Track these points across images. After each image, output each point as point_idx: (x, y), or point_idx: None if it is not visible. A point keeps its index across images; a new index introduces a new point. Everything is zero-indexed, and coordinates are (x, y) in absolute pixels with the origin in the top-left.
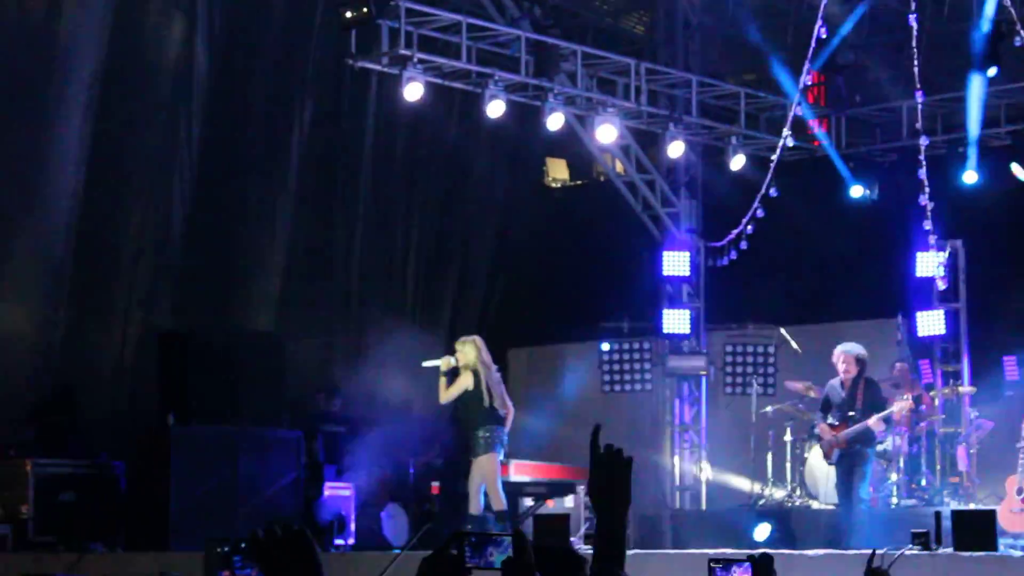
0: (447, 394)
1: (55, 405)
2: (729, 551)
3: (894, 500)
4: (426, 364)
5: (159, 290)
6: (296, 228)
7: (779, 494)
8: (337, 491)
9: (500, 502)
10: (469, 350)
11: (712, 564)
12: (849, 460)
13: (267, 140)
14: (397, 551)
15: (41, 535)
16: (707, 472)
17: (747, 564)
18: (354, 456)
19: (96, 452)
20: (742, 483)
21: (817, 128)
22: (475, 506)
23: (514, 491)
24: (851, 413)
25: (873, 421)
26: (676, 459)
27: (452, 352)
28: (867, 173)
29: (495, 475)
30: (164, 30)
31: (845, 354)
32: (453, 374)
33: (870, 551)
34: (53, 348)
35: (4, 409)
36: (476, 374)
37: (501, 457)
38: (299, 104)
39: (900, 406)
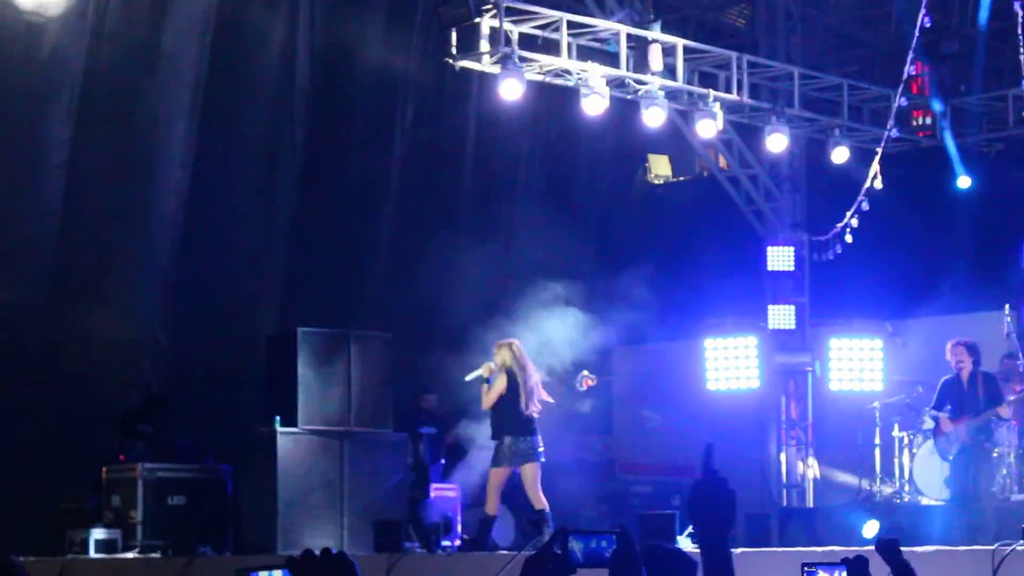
0: (487, 400)
1: (146, 412)
2: (837, 549)
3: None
4: (469, 378)
5: (264, 292)
6: (398, 228)
7: (888, 490)
8: (443, 492)
9: (492, 507)
10: (504, 352)
11: (805, 568)
12: (969, 455)
13: (369, 141)
14: (505, 552)
15: (150, 539)
16: (814, 469)
17: (842, 567)
18: (459, 457)
19: (203, 456)
20: (850, 480)
21: (933, 117)
22: (492, 506)
23: (621, 492)
24: (972, 407)
25: (1003, 409)
26: (783, 456)
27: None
28: (972, 164)
29: (497, 488)
30: (265, 34)
31: (960, 348)
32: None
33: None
34: (159, 351)
35: (111, 414)
36: (512, 377)
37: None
38: (400, 104)
39: (1015, 398)
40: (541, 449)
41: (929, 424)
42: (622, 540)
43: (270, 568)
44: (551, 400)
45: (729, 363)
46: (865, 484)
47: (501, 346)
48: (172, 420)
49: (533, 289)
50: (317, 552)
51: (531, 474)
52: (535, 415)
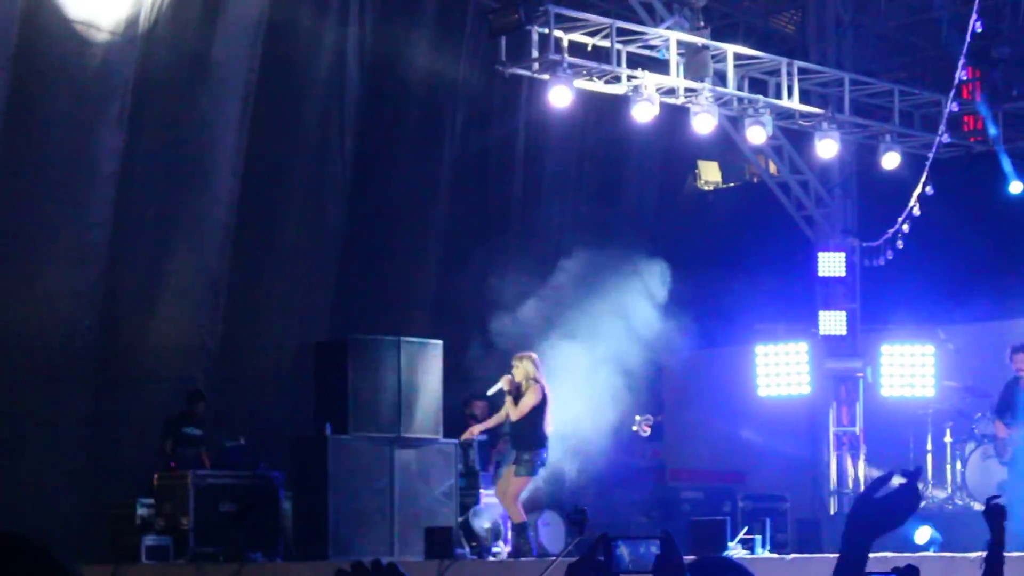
0: (519, 410)
1: (189, 413)
2: (889, 555)
3: None
4: (491, 392)
5: (315, 299)
6: (448, 235)
7: (940, 496)
8: (493, 499)
9: (518, 515)
10: (527, 365)
11: None
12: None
13: (419, 148)
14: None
15: (202, 546)
16: (866, 474)
17: (891, 575)
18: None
19: (255, 463)
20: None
21: (986, 123)
22: (517, 514)
23: (672, 496)
24: None
25: None
26: (834, 461)
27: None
28: None
29: (519, 494)
30: (315, 42)
31: (1018, 354)
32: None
33: None
34: (209, 358)
35: (157, 421)
36: (543, 391)
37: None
38: (450, 111)
39: None
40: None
41: (987, 428)
42: (666, 546)
43: None
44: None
45: (780, 369)
46: (923, 484)
47: (522, 359)
48: (222, 427)
49: (583, 296)
50: (367, 563)
51: (519, 487)
52: (549, 431)
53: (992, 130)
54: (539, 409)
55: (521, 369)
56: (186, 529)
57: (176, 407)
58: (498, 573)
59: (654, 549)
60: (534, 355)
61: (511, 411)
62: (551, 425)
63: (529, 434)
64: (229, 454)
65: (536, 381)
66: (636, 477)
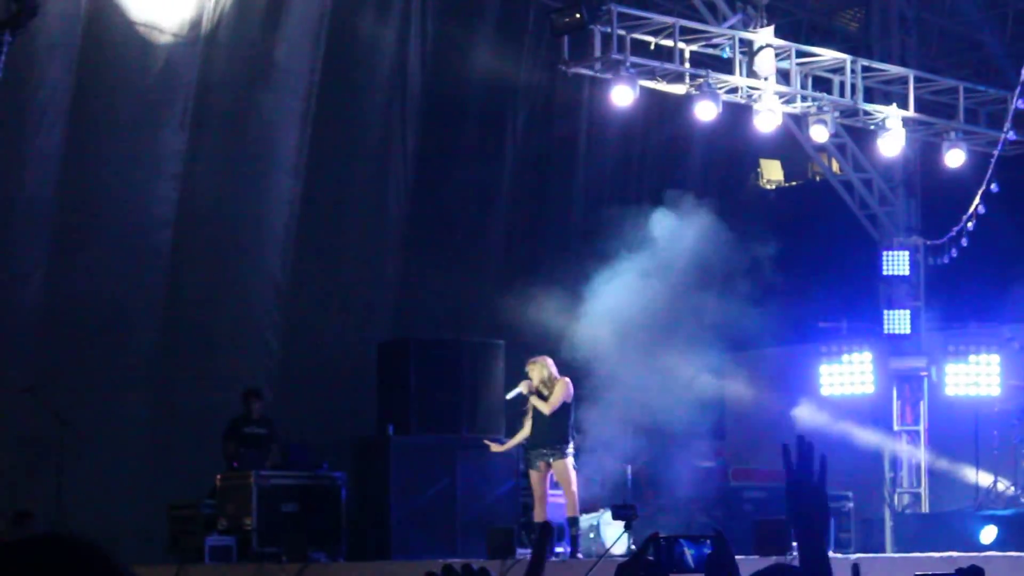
0: (550, 404)
1: (247, 414)
2: (955, 555)
3: None
4: (510, 396)
5: (378, 299)
6: (511, 233)
7: (1006, 495)
8: (555, 498)
9: (574, 508)
10: (541, 367)
11: None
12: None
13: (481, 147)
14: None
15: (264, 546)
16: (931, 471)
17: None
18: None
19: (318, 463)
20: (967, 485)
21: None
22: (573, 507)
23: (734, 497)
24: None
25: None
26: (900, 461)
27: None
28: None
29: (571, 480)
30: (377, 42)
31: None
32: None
33: None
34: (272, 358)
35: (225, 421)
36: (570, 386)
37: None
38: (512, 110)
39: None
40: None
41: None
42: (717, 544)
43: None
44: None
45: (844, 367)
46: (983, 489)
47: (536, 362)
48: (285, 426)
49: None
50: (458, 567)
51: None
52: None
53: None
54: (569, 403)
55: (537, 372)
56: (249, 529)
57: (239, 408)
58: (560, 573)
59: (706, 549)
60: (548, 358)
61: (542, 408)
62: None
63: (564, 428)
64: (292, 455)
65: (560, 377)
66: (699, 476)
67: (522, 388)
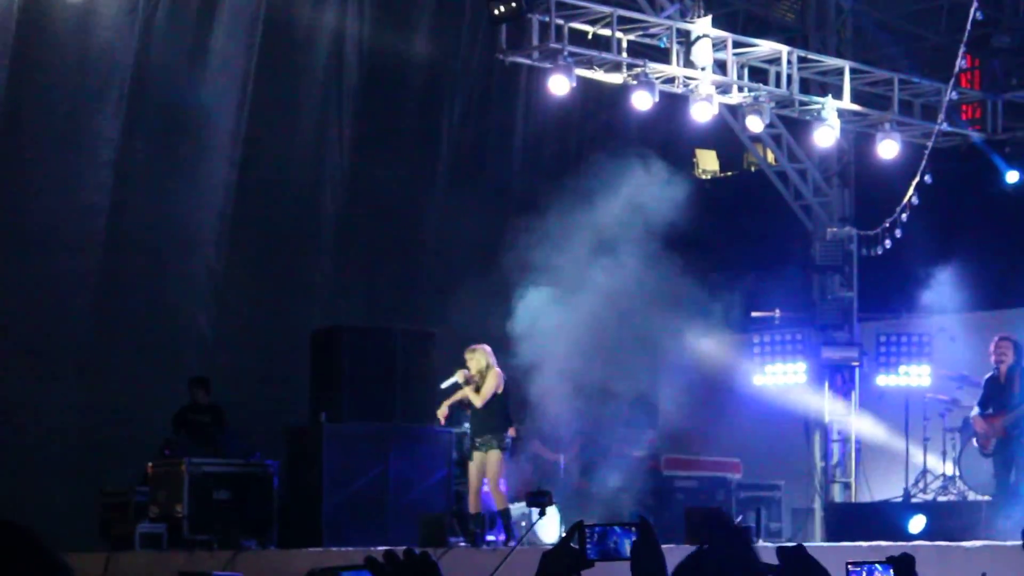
0: (481, 396)
1: (194, 403)
2: (884, 544)
3: None
4: (445, 385)
5: (312, 286)
6: (446, 221)
7: (935, 485)
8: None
9: (503, 501)
10: (480, 356)
11: (850, 565)
12: (1008, 450)
13: (418, 135)
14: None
15: (196, 533)
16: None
17: (887, 566)
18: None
19: (250, 451)
20: (897, 475)
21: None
22: (501, 500)
23: (667, 485)
24: (1008, 402)
25: None
26: (830, 450)
27: (463, 365)
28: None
29: (498, 474)
30: (314, 29)
31: (1006, 343)
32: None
33: None
34: (205, 346)
35: (156, 409)
36: (502, 377)
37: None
38: (449, 98)
39: None
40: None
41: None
42: (643, 531)
43: (351, 569)
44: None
45: (776, 358)
46: (912, 479)
47: (475, 351)
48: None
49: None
50: (399, 553)
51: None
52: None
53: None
54: (502, 394)
55: (475, 361)
56: (180, 517)
57: (175, 396)
58: (492, 562)
59: (632, 536)
60: (487, 347)
61: (474, 399)
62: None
63: (497, 418)
64: (224, 443)
65: (494, 367)
66: (632, 466)
67: (458, 377)
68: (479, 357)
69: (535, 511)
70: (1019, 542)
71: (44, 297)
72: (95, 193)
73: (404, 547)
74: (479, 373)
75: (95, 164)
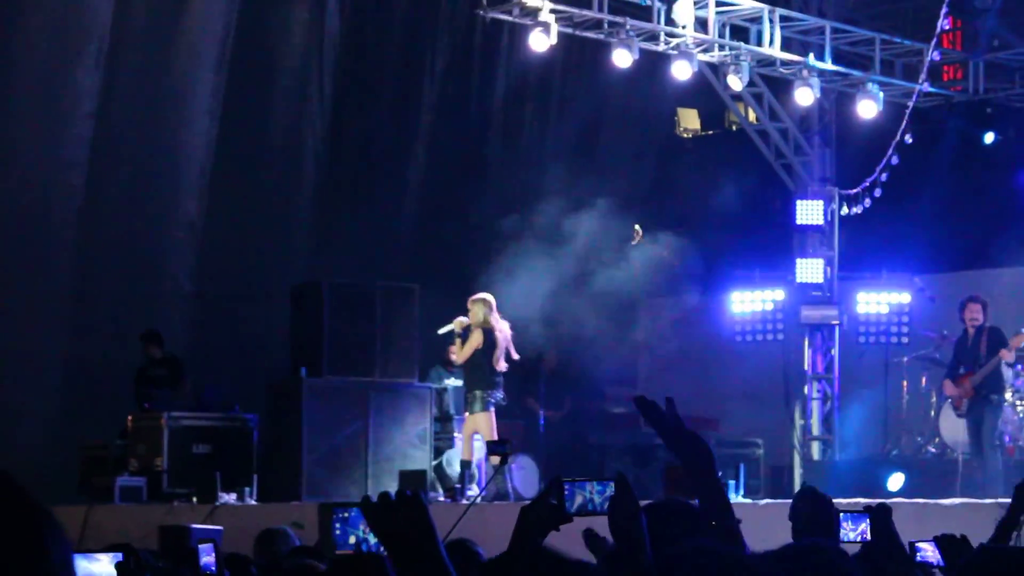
0: (463, 354)
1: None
2: (863, 501)
3: None
4: (441, 331)
5: (293, 241)
6: (428, 178)
7: (914, 443)
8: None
9: (468, 452)
10: (478, 308)
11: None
12: (979, 409)
13: (398, 92)
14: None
15: (175, 487)
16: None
17: (864, 516)
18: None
19: (230, 404)
20: (876, 433)
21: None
22: (468, 452)
23: (646, 442)
24: (976, 362)
25: (1005, 352)
26: (810, 408)
27: (466, 313)
28: (1005, 119)
29: (491, 432)
30: None
31: (977, 305)
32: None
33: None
34: (186, 300)
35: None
36: (487, 333)
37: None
38: (430, 56)
39: (1016, 341)
40: (503, 403)
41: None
42: (620, 488)
43: (346, 505)
44: (517, 356)
45: (756, 316)
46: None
47: (475, 301)
48: (198, 368)
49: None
50: (392, 494)
51: (488, 424)
52: (502, 370)
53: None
54: (484, 351)
55: (472, 313)
56: (160, 470)
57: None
58: (471, 517)
59: (609, 491)
60: (488, 297)
61: (455, 355)
62: (500, 363)
63: (478, 374)
64: (205, 397)
65: (481, 325)
66: (611, 422)
67: (454, 326)
68: (476, 310)
69: (513, 467)
70: (993, 500)
71: (23, 252)
72: (75, 147)
73: (396, 490)
74: (475, 325)
75: (74, 117)
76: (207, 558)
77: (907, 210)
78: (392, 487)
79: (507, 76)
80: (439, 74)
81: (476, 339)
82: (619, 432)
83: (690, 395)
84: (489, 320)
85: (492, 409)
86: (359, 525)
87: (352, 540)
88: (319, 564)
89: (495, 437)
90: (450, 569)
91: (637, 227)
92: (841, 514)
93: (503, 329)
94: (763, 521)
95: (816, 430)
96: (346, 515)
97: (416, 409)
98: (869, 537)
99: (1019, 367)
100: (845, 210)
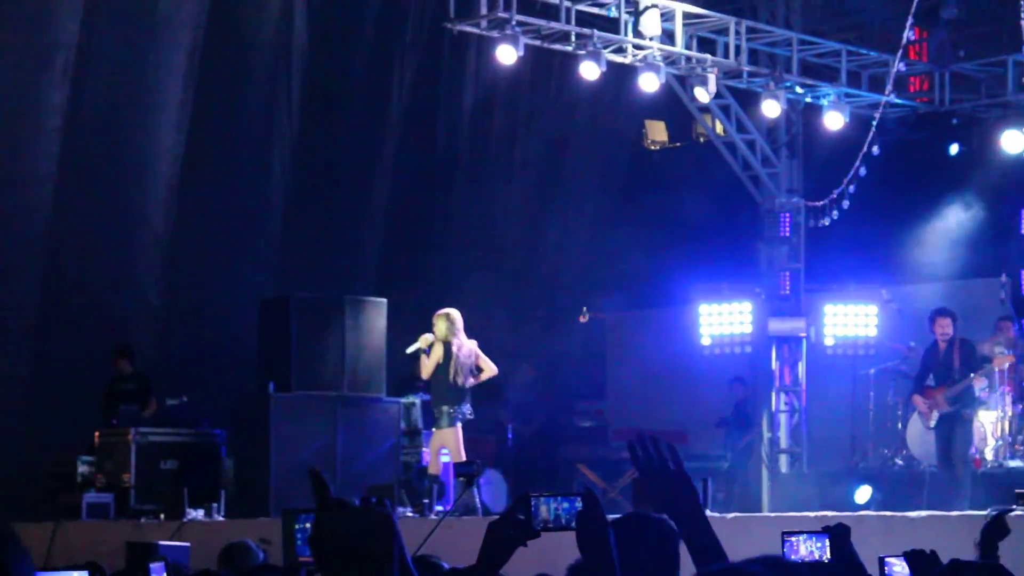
0: (425, 370)
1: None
2: (830, 514)
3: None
4: (409, 350)
5: (260, 256)
6: (395, 190)
7: (881, 456)
8: (445, 455)
9: (435, 466)
10: (440, 323)
11: (785, 535)
12: (949, 423)
13: (366, 105)
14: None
15: (143, 503)
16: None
17: (823, 535)
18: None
19: (197, 420)
20: (843, 446)
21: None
22: (435, 467)
23: (614, 457)
24: (949, 375)
25: (978, 378)
26: (777, 421)
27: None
28: (971, 130)
29: (457, 447)
30: None
31: (946, 319)
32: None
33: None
34: (153, 315)
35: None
36: (448, 348)
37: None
38: (398, 68)
39: (1000, 360)
40: (470, 416)
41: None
42: (587, 502)
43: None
44: (495, 370)
45: (724, 328)
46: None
47: (439, 317)
48: (165, 384)
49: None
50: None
51: (455, 439)
52: (466, 385)
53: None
54: (444, 366)
55: (436, 328)
56: (127, 486)
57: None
58: (438, 531)
59: (577, 506)
60: (451, 312)
61: (422, 369)
62: (461, 378)
63: (441, 389)
64: (173, 412)
65: (445, 341)
66: (579, 436)
67: (420, 343)
68: (439, 324)
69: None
70: (960, 513)
71: None
72: (42, 161)
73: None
74: (437, 341)
75: (41, 132)
76: None
77: (875, 222)
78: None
79: (475, 89)
80: (407, 87)
81: (437, 353)
82: (587, 446)
83: (658, 408)
84: (450, 336)
85: (459, 424)
86: None
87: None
88: None
89: (462, 452)
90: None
91: (585, 309)
92: (800, 534)
93: (464, 344)
94: (725, 535)
95: (784, 443)
96: (307, 526)
97: (384, 423)
98: (829, 556)
99: (987, 382)
100: (812, 222)
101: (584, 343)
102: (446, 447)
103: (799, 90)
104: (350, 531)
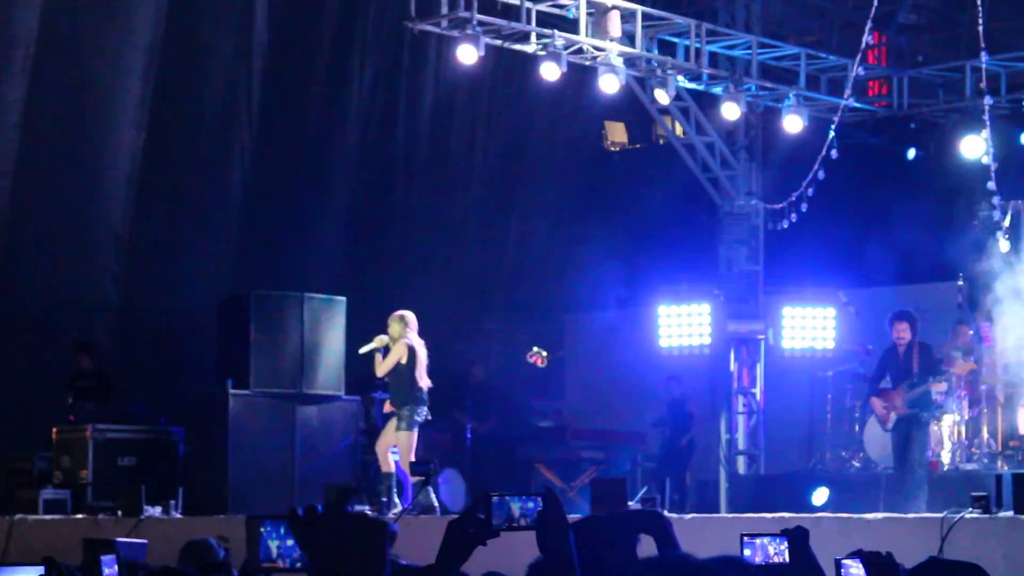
0: (383, 367)
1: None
2: (787, 516)
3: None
4: (363, 350)
5: (218, 253)
6: (355, 189)
7: (838, 458)
8: (395, 455)
9: (386, 464)
10: (395, 324)
11: (744, 537)
12: (907, 426)
13: (326, 103)
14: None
15: (100, 500)
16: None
17: (782, 538)
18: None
19: (155, 417)
20: (801, 447)
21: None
22: (387, 465)
23: (573, 457)
24: (908, 378)
25: (938, 384)
26: (736, 423)
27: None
28: (929, 134)
29: (409, 451)
30: None
31: (904, 323)
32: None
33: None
34: (111, 312)
35: (61, 375)
36: (411, 349)
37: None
38: (358, 67)
39: (962, 367)
40: (429, 419)
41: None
42: (548, 502)
43: (273, 518)
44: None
45: (682, 330)
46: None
47: (394, 318)
48: (124, 381)
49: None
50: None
51: (408, 443)
52: (426, 386)
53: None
54: (408, 366)
55: (392, 328)
56: (85, 483)
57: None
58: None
59: (531, 505)
60: (406, 314)
61: (377, 368)
62: (423, 381)
63: (402, 391)
64: (131, 409)
65: (404, 339)
66: (538, 436)
67: (375, 343)
68: (393, 325)
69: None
70: (916, 515)
71: None
72: (0, 158)
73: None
74: (393, 341)
75: (0, 129)
76: (109, 570)
77: (833, 225)
78: (318, 500)
79: (435, 89)
80: (367, 86)
81: (400, 351)
82: (545, 446)
83: (616, 408)
84: (407, 336)
85: (416, 429)
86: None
87: (274, 553)
88: None
89: (412, 457)
90: None
91: (537, 349)
92: (758, 536)
93: (422, 347)
94: (684, 536)
95: (742, 444)
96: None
97: (343, 421)
98: (787, 559)
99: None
100: (771, 225)
101: (543, 343)
102: (398, 448)
103: (759, 93)
104: (346, 537)
